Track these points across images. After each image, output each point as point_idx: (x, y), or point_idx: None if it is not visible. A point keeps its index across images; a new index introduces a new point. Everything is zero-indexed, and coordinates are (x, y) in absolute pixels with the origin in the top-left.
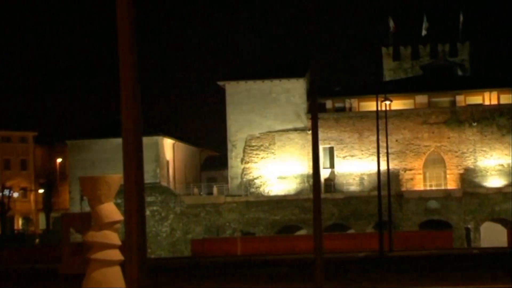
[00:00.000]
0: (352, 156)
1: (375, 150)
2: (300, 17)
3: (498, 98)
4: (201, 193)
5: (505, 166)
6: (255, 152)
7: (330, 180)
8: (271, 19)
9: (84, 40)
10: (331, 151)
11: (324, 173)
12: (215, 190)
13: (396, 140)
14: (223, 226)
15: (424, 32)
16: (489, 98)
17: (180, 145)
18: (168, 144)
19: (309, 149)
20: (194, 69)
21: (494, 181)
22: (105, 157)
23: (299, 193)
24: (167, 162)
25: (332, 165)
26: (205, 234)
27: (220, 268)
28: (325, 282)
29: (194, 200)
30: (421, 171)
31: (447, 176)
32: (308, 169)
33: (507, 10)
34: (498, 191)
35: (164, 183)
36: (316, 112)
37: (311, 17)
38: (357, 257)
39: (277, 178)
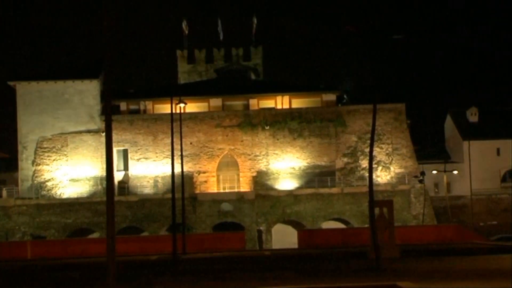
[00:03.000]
0: (146, 158)
1: (170, 153)
2: (94, 17)
3: (290, 102)
4: None
5: (296, 169)
6: (47, 154)
7: (124, 182)
8: (64, 19)
9: None
10: (125, 153)
11: (118, 176)
12: (4, 192)
13: (191, 143)
14: (13, 230)
15: (221, 37)
16: (281, 102)
17: None
18: None
19: (103, 151)
20: None
21: (286, 184)
22: None
23: (92, 195)
24: None
25: (126, 168)
26: None
27: (6, 273)
28: (117, 285)
29: None
30: (215, 174)
31: (240, 178)
32: (101, 171)
33: (298, 15)
34: (290, 193)
35: None
36: (110, 114)
37: (105, 18)
38: (150, 259)
39: (70, 180)
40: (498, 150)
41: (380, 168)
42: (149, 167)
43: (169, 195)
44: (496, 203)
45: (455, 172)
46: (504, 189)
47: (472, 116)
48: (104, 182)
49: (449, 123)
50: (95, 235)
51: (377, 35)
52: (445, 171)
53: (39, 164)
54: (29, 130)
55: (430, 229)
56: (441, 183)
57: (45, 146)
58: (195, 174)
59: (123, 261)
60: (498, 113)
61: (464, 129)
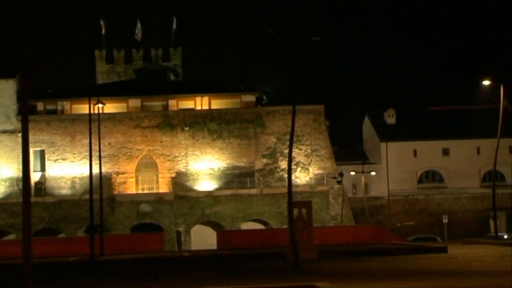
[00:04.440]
0: (64, 159)
1: (88, 154)
2: (10, 15)
3: (209, 103)
4: None
5: (216, 170)
6: None
7: (41, 183)
8: None
9: None
10: (42, 154)
11: (35, 177)
12: None
13: (109, 144)
14: None
15: (139, 37)
16: (201, 103)
17: None
18: None
19: (19, 152)
20: None
21: (205, 185)
22: None
23: (7, 197)
24: None
25: (43, 169)
26: None
27: None
28: (34, 287)
29: None
30: (133, 175)
31: (159, 179)
32: (17, 172)
33: (218, 16)
34: (209, 194)
35: None
36: (26, 114)
37: (21, 17)
38: (68, 261)
39: None
40: (415, 152)
41: (299, 169)
42: (66, 168)
43: (87, 196)
44: (413, 204)
45: (373, 173)
46: (421, 190)
47: (390, 117)
48: (20, 183)
49: (367, 125)
50: (11, 236)
51: (296, 37)
52: (363, 172)
53: None
54: None
55: (348, 229)
56: (359, 184)
57: None
58: (114, 175)
59: (39, 263)
60: (415, 115)
61: (381, 131)
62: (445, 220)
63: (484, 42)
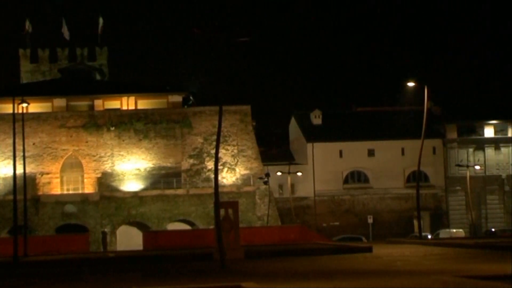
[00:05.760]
0: None
1: (12, 154)
2: None
3: (136, 103)
4: None
5: (142, 170)
6: None
7: None
8: None
9: None
10: None
11: None
12: None
13: (34, 144)
14: None
15: (66, 36)
16: (127, 103)
17: None
18: None
19: None
20: None
21: (131, 185)
22: None
23: None
24: None
25: None
26: None
27: None
28: None
29: None
30: (58, 175)
31: (85, 180)
32: None
33: (144, 15)
34: (135, 195)
35: None
36: None
37: None
38: None
39: None
40: (340, 152)
41: (225, 169)
42: None
43: (11, 197)
44: (338, 204)
45: (299, 173)
46: (346, 190)
47: (316, 118)
48: None
49: (293, 125)
50: None
51: (223, 37)
52: (289, 173)
53: None
54: None
55: (275, 230)
56: (285, 184)
57: None
58: (38, 175)
59: None
60: (341, 116)
61: (308, 131)
62: (370, 220)
63: (409, 43)
